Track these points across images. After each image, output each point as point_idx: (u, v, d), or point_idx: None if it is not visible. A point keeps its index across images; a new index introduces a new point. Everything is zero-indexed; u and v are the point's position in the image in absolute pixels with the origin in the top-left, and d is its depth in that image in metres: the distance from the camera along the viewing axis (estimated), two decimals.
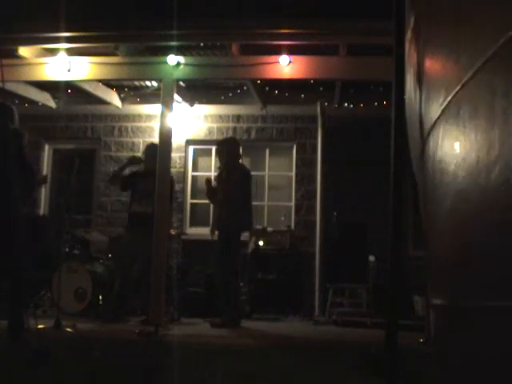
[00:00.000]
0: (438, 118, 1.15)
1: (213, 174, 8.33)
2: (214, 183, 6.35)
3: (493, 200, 0.91)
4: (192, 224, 8.37)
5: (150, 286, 5.56)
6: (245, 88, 7.39)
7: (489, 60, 0.83)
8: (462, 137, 1.01)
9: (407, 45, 1.42)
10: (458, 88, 0.98)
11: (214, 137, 8.16)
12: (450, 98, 1.04)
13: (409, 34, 1.36)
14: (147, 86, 7.67)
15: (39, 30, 5.40)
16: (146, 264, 5.67)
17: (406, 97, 1.46)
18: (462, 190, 1.04)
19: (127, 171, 6.41)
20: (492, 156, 0.86)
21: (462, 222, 1.09)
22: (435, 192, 1.27)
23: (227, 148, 6.18)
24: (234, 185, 5.95)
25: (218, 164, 6.40)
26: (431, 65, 1.23)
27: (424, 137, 1.40)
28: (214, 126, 8.32)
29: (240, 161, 6.32)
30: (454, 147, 1.08)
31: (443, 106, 1.10)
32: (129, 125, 8.44)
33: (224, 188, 6.00)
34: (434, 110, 1.18)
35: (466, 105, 0.98)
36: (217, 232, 6.03)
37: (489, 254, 0.96)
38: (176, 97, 6.75)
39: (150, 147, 6.35)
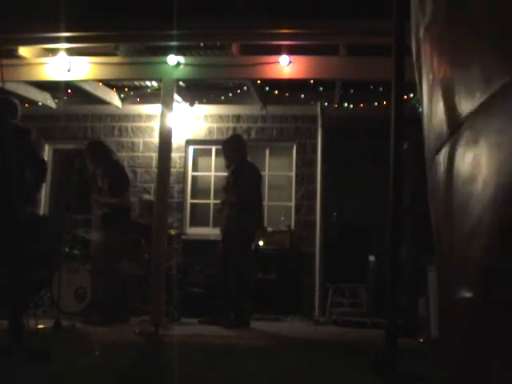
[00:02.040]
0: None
1: (213, 174, 8.35)
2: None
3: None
4: (192, 224, 8.37)
5: (150, 286, 5.55)
6: (245, 88, 7.39)
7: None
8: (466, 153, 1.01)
9: (421, 44, 1.38)
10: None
11: (214, 137, 8.17)
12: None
13: (421, 33, 1.33)
14: (147, 86, 7.68)
15: (39, 30, 5.40)
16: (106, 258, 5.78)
17: (424, 104, 1.42)
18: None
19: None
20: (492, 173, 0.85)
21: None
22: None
23: (233, 146, 6.12)
24: (242, 184, 5.87)
25: (220, 164, 6.35)
26: (445, 71, 1.19)
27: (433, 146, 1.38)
28: (214, 126, 8.32)
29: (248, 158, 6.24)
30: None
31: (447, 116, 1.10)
32: (129, 125, 8.45)
33: (233, 188, 5.91)
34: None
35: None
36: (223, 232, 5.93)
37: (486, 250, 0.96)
38: (176, 97, 6.75)
39: (98, 145, 6.26)
